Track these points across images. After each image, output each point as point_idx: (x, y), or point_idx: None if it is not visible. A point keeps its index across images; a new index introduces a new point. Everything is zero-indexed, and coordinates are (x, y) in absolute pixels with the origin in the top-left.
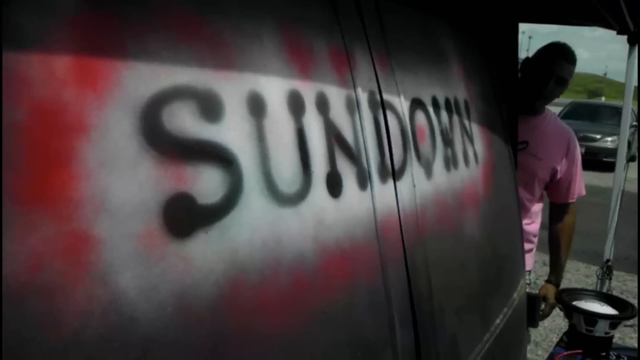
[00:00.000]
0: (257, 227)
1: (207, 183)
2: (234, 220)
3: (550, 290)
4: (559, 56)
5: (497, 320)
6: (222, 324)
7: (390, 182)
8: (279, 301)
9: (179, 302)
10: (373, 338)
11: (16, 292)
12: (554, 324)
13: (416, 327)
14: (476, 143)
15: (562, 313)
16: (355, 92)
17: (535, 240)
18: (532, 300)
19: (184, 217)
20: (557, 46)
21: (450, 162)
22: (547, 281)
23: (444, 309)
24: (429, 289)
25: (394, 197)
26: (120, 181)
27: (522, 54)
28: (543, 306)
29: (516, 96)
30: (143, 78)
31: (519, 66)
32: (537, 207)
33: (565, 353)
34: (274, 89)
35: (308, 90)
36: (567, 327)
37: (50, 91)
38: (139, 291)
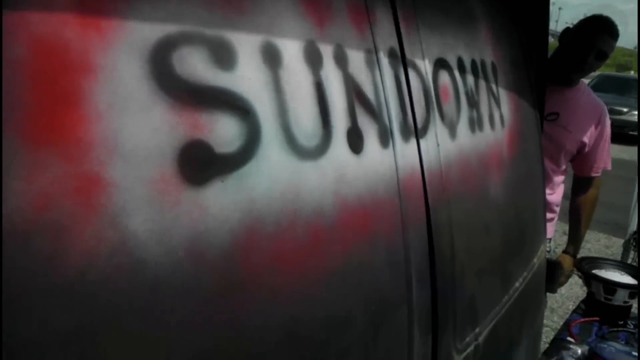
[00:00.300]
0: (275, 179)
1: (223, 131)
2: (251, 171)
3: (567, 261)
4: (602, 29)
5: (517, 284)
6: (235, 273)
7: (413, 140)
8: (295, 253)
9: (192, 248)
10: (389, 295)
11: (22, 230)
12: (571, 292)
13: (435, 286)
14: (503, 106)
15: (579, 281)
16: (375, 49)
17: (557, 209)
18: (552, 266)
19: (200, 164)
20: (600, 19)
21: (475, 124)
22: (565, 252)
23: (464, 270)
24: (451, 249)
25: (417, 155)
26: (132, 124)
27: (551, 26)
28: None
29: (551, 66)
30: (150, 21)
31: (552, 36)
32: (560, 178)
33: (582, 320)
34: (290, 40)
35: (325, 44)
36: (584, 295)
37: (56, 30)
38: (149, 234)
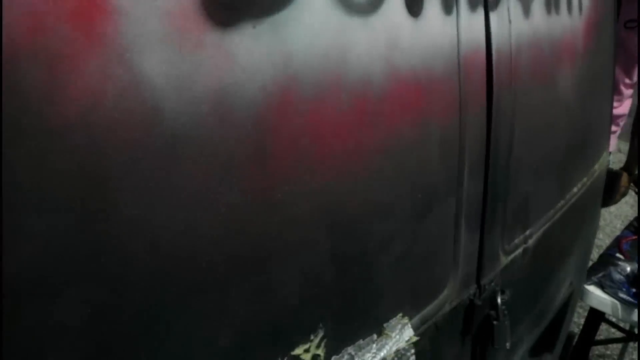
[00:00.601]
0: (317, 33)
1: None
2: (289, 19)
3: (624, 177)
4: None
5: (575, 189)
6: (268, 138)
7: (481, 11)
8: (337, 125)
9: (218, 101)
10: (438, 183)
11: (8, 54)
12: (620, 211)
13: (487, 179)
14: None
15: (629, 201)
16: None
17: (622, 124)
18: (613, 177)
19: (228, 2)
20: None
21: (552, 5)
22: (622, 169)
23: (521, 167)
24: (510, 141)
25: (484, 30)
26: None
27: None
28: None
29: None
30: None
31: None
32: (629, 92)
33: (633, 237)
34: None
35: None
36: (633, 215)
37: None
38: (166, 79)
